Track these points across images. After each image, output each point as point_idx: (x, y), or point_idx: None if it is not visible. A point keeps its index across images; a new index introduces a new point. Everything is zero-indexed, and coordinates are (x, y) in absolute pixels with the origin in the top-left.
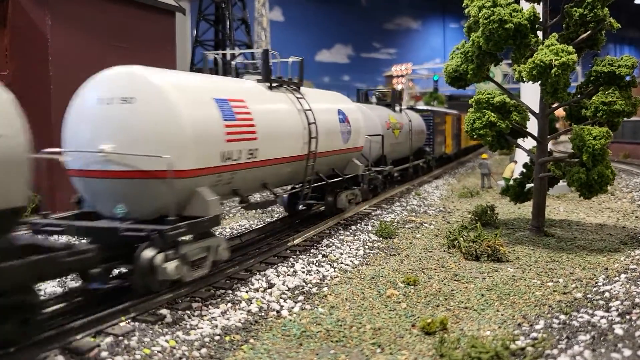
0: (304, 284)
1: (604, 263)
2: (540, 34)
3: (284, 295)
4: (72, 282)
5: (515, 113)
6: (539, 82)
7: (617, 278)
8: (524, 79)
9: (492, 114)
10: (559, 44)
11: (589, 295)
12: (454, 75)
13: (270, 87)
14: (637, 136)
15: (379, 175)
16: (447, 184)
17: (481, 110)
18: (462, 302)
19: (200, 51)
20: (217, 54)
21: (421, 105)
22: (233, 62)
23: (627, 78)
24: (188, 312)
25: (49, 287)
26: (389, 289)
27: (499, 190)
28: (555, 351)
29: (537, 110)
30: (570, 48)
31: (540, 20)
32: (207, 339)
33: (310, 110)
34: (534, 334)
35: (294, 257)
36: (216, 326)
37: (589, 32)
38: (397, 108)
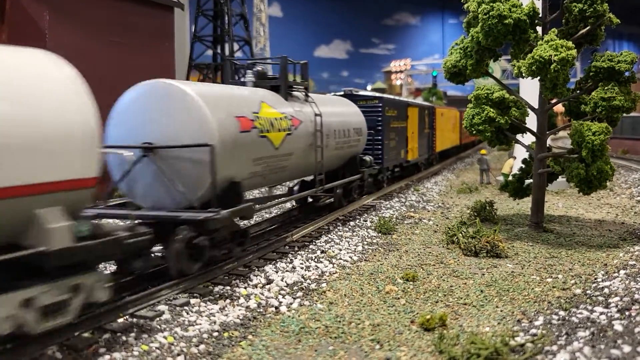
0: (302, 279)
1: (603, 259)
2: (539, 29)
3: (282, 291)
4: None
5: (514, 109)
6: (538, 77)
7: (616, 274)
8: (523, 74)
9: (491, 110)
10: (558, 39)
11: (588, 292)
12: (453, 70)
13: None
14: (636, 132)
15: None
16: (445, 180)
17: (480, 105)
18: (461, 298)
19: (199, 47)
20: None
21: (420, 100)
22: None
23: (627, 73)
24: (186, 308)
25: None
26: (387, 285)
27: (497, 186)
28: (554, 347)
29: (536, 106)
30: (570, 43)
31: (540, 15)
32: (205, 335)
33: None
34: (534, 330)
35: (293, 253)
36: (214, 322)
37: (588, 28)
38: (300, 93)
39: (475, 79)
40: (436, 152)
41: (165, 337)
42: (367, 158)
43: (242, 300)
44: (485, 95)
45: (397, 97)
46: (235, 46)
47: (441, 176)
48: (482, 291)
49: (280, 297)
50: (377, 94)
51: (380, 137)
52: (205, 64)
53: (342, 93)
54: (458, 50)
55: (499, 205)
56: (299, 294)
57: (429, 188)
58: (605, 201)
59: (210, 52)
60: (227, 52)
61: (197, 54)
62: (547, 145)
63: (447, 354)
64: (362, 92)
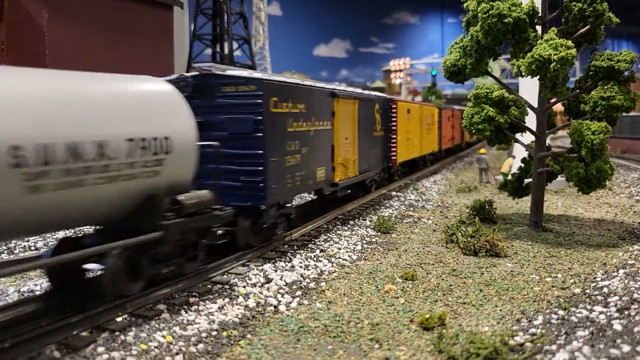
0: (301, 279)
1: (602, 258)
2: (539, 28)
3: (281, 290)
4: None
5: (513, 108)
6: (538, 76)
7: (615, 273)
8: (523, 73)
9: (491, 109)
10: (557, 38)
11: (588, 291)
12: (452, 69)
13: None
14: (635, 131)
15: None
16: (445, 179)
17: (480, 104)
18: (461, 297)
19: (198, 45)
20: None
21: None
22: None
23: (626, 73)
24: (185, 307)
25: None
26: (387, 284)
27: (497, 185)
28: (554, 347)
29: (535, 105)
30: (569, 42)
31: (539, 14)
32: (204, 335)
33: None
34: (533, 330)
35: (292, 251)
36: (213, 321)
37: (587, 27)
38: None
39: (474, 77)
40: (398, 164)
41: (164, 336)
42: (187, 197)
43: (240, 299)
44: (485, 94)
45: (308, 82)
46: (235, 45)
47: (440, 175)
48: (481, 290)
49: (279, 296)
50: (257, 75)
51: (260, 152)
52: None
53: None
54: (457, 49)
55: (498, 204)
56: (298, 293)
57: (428, 187)
58: (605, 200)
59: (209, 50)
60: (226, 50)
61: (196, 52)
62: (547, 145)
63: (447, 354)
64: (232, 72)
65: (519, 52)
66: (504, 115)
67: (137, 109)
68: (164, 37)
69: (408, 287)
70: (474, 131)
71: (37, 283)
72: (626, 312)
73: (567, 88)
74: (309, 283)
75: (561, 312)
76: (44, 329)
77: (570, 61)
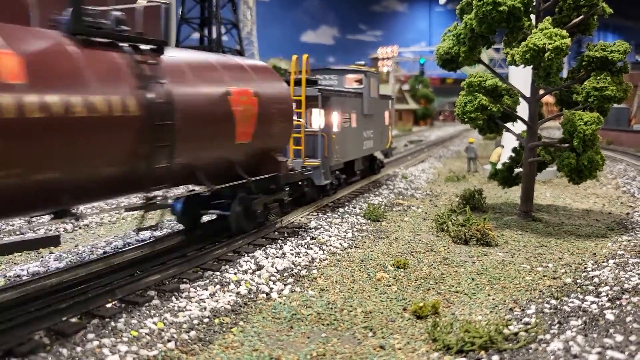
0: (293, 266)
1: (592, 248)
2: (533, 17)
3: (273, 278)
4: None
5: (507, 97)
6: (532, 65)
7: (605, 263)
8: (517, 62)
9: (484, 97)
10: (552, 27)
11: (579, 281)
12: (445, 57)
13: None
14: (620, 123)
15: None
16: (433, 168)
17: (472, 93)
18: (453, 286)
19: (186, 29)
20: None
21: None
22: None
23: (619, 63)
24: (176, 293)
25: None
26: (378, 272)
27: (485, 174)
28: (548, 336)
29: (527, 95)
30: (564, 32)
31: (534, 3)
32: (195, 321)
33: None
34: (526, 319)
35: (282, 239)
36: (205, 308)
37: (581, 17)
38: None
39: (466, 66)
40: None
41: (155, 323)
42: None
43: (232, 286)
44: (478, 82)
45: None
46: (223, 29)
47: (428, 164)
48: (473, 279)
49: (270, 283)
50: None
51: None
52: (192, 46)
53: None
54: (451, 37)
55: (487, 193)
56: (290, 280)
57: (416, 176)
58: (592, 191)
59: (197, 34)
60: (214, 35)
61: (184, 36)
62: (538, 135)
63: (441, 342)
64: None
65: (513, 40)
66: (497, 104)
67: None
68: (152, 20)
69: (400, 275)
70: (466, 120)
71: (23, 268)
72: (618, 302)
73: (560, 78)
74: (300, 270)
75: (553, 302)
76: (32, 314)
77: (564, 51)
